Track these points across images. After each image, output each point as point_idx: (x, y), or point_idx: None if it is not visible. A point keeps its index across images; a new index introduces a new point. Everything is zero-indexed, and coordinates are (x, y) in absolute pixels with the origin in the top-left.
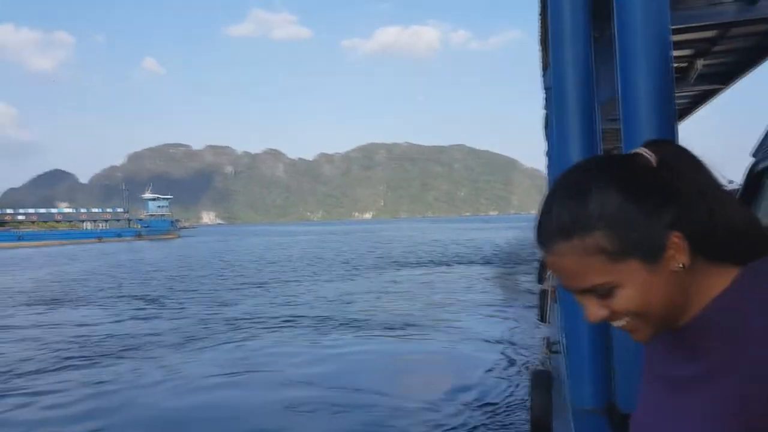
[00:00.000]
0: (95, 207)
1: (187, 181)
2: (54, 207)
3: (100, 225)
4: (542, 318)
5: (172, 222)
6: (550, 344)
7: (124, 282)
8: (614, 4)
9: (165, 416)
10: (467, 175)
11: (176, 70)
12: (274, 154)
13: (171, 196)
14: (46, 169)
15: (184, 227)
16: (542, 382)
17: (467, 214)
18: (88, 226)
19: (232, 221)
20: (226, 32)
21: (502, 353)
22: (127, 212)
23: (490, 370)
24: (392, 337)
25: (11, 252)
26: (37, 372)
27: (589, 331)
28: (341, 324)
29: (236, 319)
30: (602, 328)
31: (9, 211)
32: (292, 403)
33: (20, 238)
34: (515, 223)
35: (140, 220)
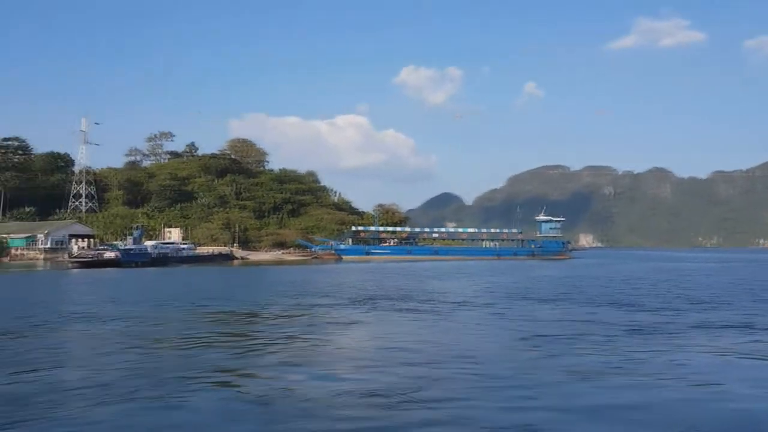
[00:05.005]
0: (477, 227)
1: (563, 203)
2: (443, 226)
3: (496, 244)
4: None
5: (563, 243)
6: None
7: (573, 290)
8: None
9: None
10: None
11: (555, 91)
12: (660, 174)
13: (563, 219)
14: (437, 193)
15: (574, 249)
16: None
17: None
18: (487, 244)
19: (612, 245)
20: (607, 47)
21: None
22: (521, 233)
23: None
24: None
25: (430, 264)
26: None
27: None
28: None
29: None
30: None
31: (426, 229)
32: None
33: (436, 252)
34: None
35: (532, 240)
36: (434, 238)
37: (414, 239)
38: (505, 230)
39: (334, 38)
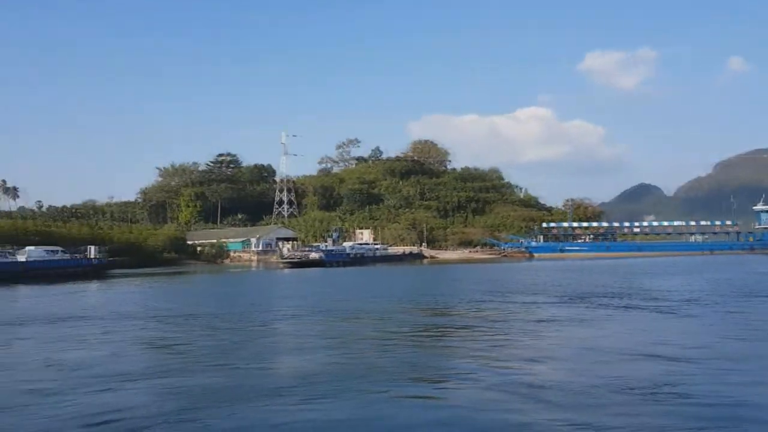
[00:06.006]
0: (679, 220)
1: None
2: (639, 220)
3: (707, 238)
4: None
5: None
6: None
7: None
8: None
9: None
10: None
11: (766, 64)
12: None
13: None
14: (632, 184)
15: None
16: None
17: None
18: (696, 239)
19: None
20: None
21: None
22: (736, 225)
23: None
24: None
25: (632, 261)
26: None
27: None
28: None
29: None
30: None
31: (626, 224)
32: None
33: (638, 249)
34: None
35: (750, 233)
36: (635, 234)
37: (612, 235)
38: (718, 222)
39: (510, 30)
